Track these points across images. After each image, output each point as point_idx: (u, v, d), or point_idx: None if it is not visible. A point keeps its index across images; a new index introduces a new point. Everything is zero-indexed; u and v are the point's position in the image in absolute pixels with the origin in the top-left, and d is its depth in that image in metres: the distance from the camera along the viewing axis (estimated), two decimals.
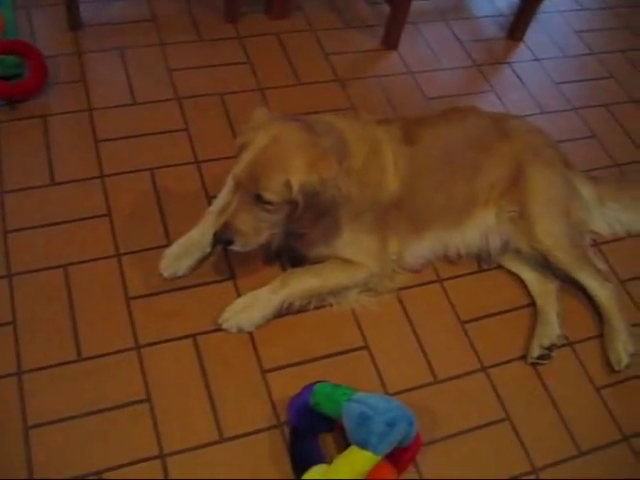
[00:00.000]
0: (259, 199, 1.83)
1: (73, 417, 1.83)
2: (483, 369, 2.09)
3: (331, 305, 2.12)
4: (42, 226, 2.18)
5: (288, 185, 1.79)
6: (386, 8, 2.97)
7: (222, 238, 1.90)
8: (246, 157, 1.82)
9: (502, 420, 2.00)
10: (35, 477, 1.72)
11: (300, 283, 2.03)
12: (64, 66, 2.64)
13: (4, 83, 2.43)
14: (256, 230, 1.89)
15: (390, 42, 2.99)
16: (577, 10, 3.48)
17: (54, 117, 2.47)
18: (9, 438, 1.78)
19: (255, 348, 2.02)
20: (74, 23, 2.75)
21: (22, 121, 2.44)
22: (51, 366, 1.91)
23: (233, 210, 1.87)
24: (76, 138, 2.43)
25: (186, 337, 2.01)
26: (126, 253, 2.15)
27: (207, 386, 1.93)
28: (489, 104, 2.82)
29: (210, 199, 2.28)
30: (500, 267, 2.33)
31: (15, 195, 2.24)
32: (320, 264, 2.07)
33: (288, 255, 2.18)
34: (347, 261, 2.07)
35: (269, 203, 1.83)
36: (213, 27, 2.91)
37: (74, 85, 2.59)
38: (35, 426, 1.80)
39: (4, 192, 2.24)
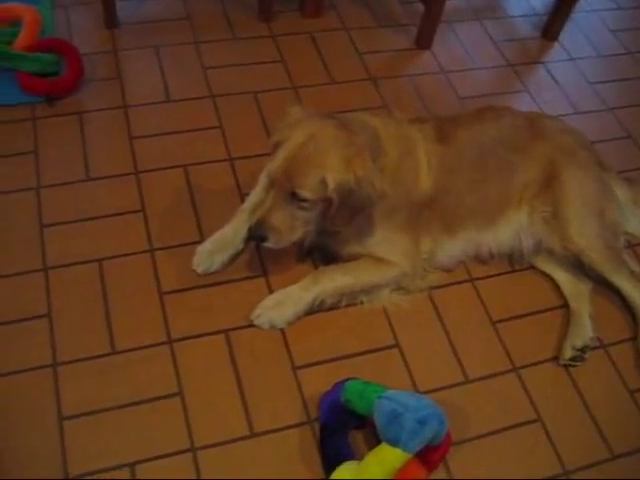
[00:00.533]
0: (294, 196, 1.84)
1: (106, 409, 1.85)
2: (514, 369, 2.08)
3: (362, 303, 2.12)
4: (77, 221, 2.22)
5: (323, 183, 1.80)
6: (420, 7, 2.97)
7: (256, 234, 1.91)
8: (282, 154, 1.83)
9: (533, 421, 1.98)
10: (69, 467, 1.75)
11: (332, 281, 2.03)
12: (100, 63, 2.67)
13: (43, 80, 2.47)
14: (290, 227, 1.90)
15: (423, 41, 2.98)
16: (613, 9, 3.44)
17: (90, 114, 2.51)
18: (45, 428, 1.81)
19: (286, 345, 2.03)
20: (111, 21, 2.79)
21: (59, 117, 2.48)
22: (85, 359, 1.94)
23: (268, 207, 1.88)
24: (111, 134, 2.46)
25: (218, 332, 2.02)
26: (160, 249, 2.18)
27: (238, 381, 1.94)
28: (523, 104, 2.80)
29: (243, 196, 2.29)
30: (532, 267, 2.32)
31: (51, 190, 2.28)
32: (352, 262, 2.07)
33: (320, 252, 2.19)
34: (379, 259, 2.07)
35: (304, 200, 1.84)
36: (247, 26, 2.93)
37: (110, 82, 2.62)
38: (69, 417, 1.83)
39: (41, 187, 2.28)
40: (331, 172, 1.80)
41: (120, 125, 2.49)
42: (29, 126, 2.43)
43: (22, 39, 2.51)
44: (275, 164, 1.85)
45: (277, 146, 1.87)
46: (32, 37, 2.53)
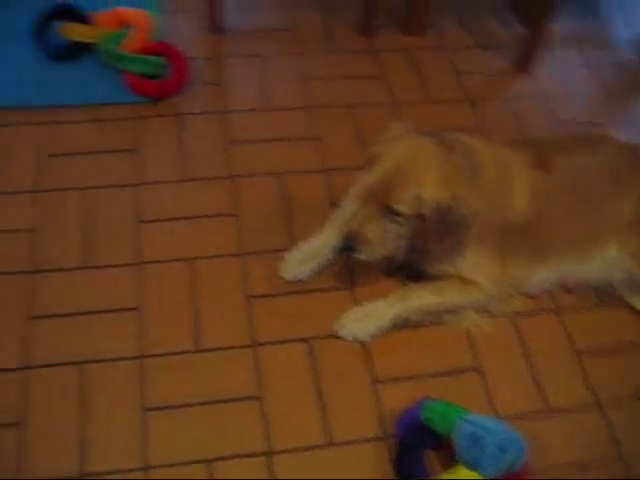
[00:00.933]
0: (389, 211, 1.85)
1: (187, 405, 1.90)
2: (598, 404, 2.02)
3: (446, 323, 2.11)
4: (173, 219, 2.28)
5: (420, 199, 1.81)
6: (520, 30, 2.94)
7: (349, 245, 1.93)
8: (380, 168, 1.85)
9: (615, 458, 1.92)
10: (148, 457, 1.80)
11: (419, 299, 2.04)
12: (204, 68, 2.75)
13: (150, 82, 2.57)
14: (382, 241, 1.91)
15: (523, 65, 2.95)
16: None
17: (192, 116, 2.58)
18: (128, 418, 1.87)
19: (368, 358, 2.03)
20: (216, 28, 2.87)
21: (162, 118, 2.56)
22: (171, 354, 1.99)
23: (362, 219, 1.89)
24: (211, 138, 2.53)
25: (302, 340, 2.05)
26: (250, 253, 2.22)
27: (318, 390, 1.96)
28: (623, 134, 2.72)
29: (335, 207, 2.31)
30: (623, 301, 2.26)
31: (150, 187, 2.36)
32: (440, 282, 2.07)
33: (408, 268, 2.18)
34: (466, 281, 2.06)
35: (399, 215, 1.85)
36: (348, 40, 2.96)
37: (212, 87, 2.70)
38: (152, 409, 1.88)
39: (140, 184, 2.36)
40: (428, 189, 1.80)
41: (219, 129, 2.55)
42: (133, 125, 2.53)
43: (133, 42, 2.60)
44: (373, 177, 1.86)
45: (375, 160, 1.89)
46: (142, 40, 2.62)
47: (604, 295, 2.26)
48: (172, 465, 1.79)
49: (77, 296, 2.08)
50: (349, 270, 2.20)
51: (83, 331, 2.01)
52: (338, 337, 2.05)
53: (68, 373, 1.93)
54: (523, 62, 2.96)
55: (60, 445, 1.81)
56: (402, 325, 2.08)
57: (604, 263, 2.20)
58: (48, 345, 1.98)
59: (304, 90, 2.73)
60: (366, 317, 2.04)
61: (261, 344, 2.03)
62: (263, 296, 2.12)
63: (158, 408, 1.89)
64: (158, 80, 2.59)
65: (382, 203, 1.85)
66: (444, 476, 1.68)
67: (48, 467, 1.78)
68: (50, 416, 1.86)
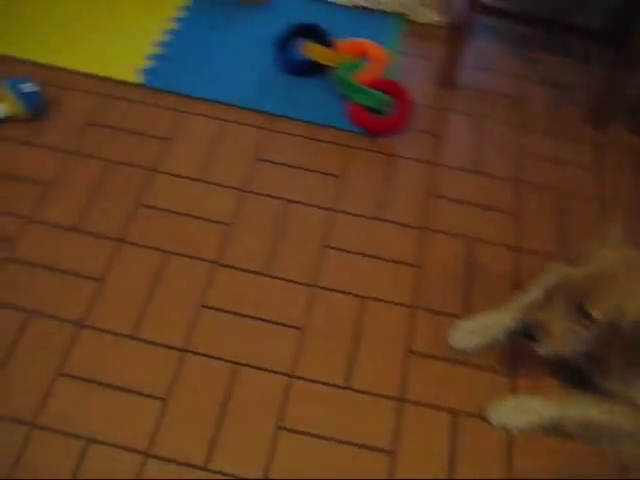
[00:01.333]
0: (582, 312, 1.77)
1: (319, 436, 1.91)
2: None
3: (601, 446, 1.98)
4: (356, 253, 2.31)
5: (619, 311, 1.72)
6: None
7: (529, 332, 1.86)
8: (586, 267, 1.79)
9: None
10: (270, 473, 1.83)
11: (582, 410, 1.93)
12: (425, 117, 2.77)
13: (373, 116, 2.62)
14: (565, 339, 1.83)
15: None
16: None
17: (401, 159, 2.61)
18: (261, 429, 1.90)
19: (509, 450, 1.94)
20: (447, 81, 2.89)
21: (371, 153, 2.60)
22: (319, 382, 2.01)
23: (551, 311, 1.83)
24: (413, 185, 2.53)
25: (448, 411, 1.99)
26: (421, 308, 2.20)
27: (450, 466, 1.90)
28: None
29: (517, 288, 2.24)
30: None
31: (343, 216, 2.40)
32: (609, 400, 1.95)
33: (576, 373, 2.08)
34: (636, 407, 1.93)
35: (591, 320, 1.77)
36: (572, 124, 2.87)
37: (428, 137, 2.70)
38: (285, 429, 1.91)
39: (336, 210, 2.41)
40: (631, 303, 1.71)
41: (424, 179, 2.55)
42: (344, 152, 2.59)
43: (366, 74, 2.67)
44: (576, 273, 1.80)
45: (584, 257, 1.83)
46: (375, 75, 2.69)
47: None
48: None
49: (248, 298, 2.16)
50: (514, 356, 2.12)
51: (245, 333, 2.08)
52: (485, 420, 1.98)
53: (220, 368, 2.00)
54: None
55: (192, 432, 1.88)
56: (553, 430, 1.97)
57: None
58: (210, 336, 2.06)
59: (515, 163, 2.68)
60: (521, 410, 1.96)
61: (408, 401, 2.00)
62: (423, 355, 2.09)
63: (292, 430, 1.91)
64: (380, 116, 2.64)
65: (578, 303, 1.77)
66: None
67: (176, 449, 1.85)
68: (192, 403, 1.93)
